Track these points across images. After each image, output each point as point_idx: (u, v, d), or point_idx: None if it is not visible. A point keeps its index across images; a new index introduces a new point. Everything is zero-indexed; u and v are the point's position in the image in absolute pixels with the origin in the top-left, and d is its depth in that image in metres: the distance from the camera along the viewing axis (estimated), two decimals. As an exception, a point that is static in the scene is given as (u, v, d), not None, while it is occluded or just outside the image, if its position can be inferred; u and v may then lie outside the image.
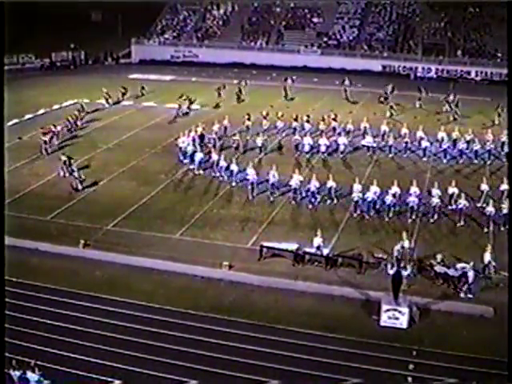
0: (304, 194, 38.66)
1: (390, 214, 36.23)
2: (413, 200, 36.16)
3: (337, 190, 38.46)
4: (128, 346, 24.27)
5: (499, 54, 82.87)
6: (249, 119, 51.08)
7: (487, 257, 29.53)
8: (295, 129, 50.15)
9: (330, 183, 38.22)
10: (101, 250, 31.95)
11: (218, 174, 42.10)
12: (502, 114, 55.10)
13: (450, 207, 36.85)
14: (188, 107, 58.64)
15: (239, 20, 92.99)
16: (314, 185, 37.81)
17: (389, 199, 36.21)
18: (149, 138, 50.39)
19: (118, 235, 33.79)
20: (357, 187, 37.17)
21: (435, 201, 36.02)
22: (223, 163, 41.89)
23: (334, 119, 51.08)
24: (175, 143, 45.90)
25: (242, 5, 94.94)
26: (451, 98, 60.51)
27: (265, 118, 52.03)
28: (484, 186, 37.84)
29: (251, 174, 39.34)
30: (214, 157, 42.78)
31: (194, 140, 46.23)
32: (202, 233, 34.11)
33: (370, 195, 36.52)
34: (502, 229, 34.60)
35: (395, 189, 36.86)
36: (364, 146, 47.68)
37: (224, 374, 23.04)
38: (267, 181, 39.48)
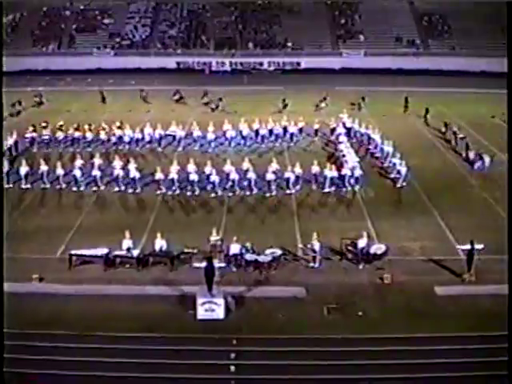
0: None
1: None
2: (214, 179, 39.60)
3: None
4: None
5: (289, 44, 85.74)
6: (34, 131, 49.40)
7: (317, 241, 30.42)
8: (73, 139, 49.16)
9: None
10: None
11: (48, 186, 40.76)
12: (325, 101, 60.42)
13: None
14: None
15: (29, 25, 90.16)
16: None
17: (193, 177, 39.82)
18: None
19: None
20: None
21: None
22: (61, 171, 40.82)
23: (120, 127, 50.06)
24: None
25: (31, 10, 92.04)
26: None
27: (59, 129, 50.52)
28: (315, 168, 40.76)
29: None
30: (43, 168, 41.06)
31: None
32: (8, 247, 32.73)
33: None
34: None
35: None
36: (168, 135, 49.50)
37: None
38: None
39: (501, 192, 39.59)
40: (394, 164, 42.54)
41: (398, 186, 41.00)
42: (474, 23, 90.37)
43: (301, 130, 50.93)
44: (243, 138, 49.03)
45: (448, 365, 23.20)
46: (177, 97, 64.72)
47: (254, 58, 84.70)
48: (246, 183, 39.72)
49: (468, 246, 29.25)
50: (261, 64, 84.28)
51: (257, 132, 49.63)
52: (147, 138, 48.75)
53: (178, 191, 39.67)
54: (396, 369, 22.94)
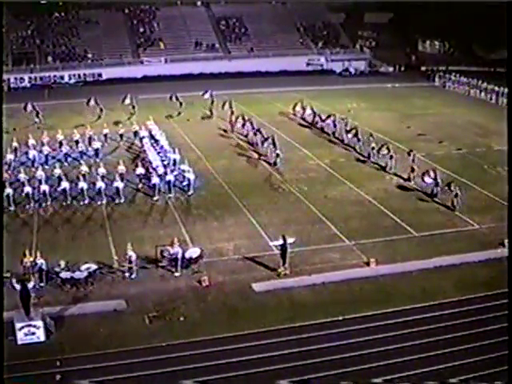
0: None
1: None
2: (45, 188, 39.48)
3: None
4: None
5: (89, 55, 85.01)
6: None
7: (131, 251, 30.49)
8: None
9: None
10: None
11: None
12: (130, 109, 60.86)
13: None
14: None
15: None
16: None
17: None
18: None
19: None
20: None
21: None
22: None
23: None
24: None
25: None
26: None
27: None
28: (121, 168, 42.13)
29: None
30: None
31: None
32: None
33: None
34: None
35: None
36: None
37: None
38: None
39: (307, 185, 41.50)
40: (183, 171, 42.67)
41: (188, 193, 41.03)
42: (270, 25, 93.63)
43: (106, 136, 52.00)
44: (46, 156, 47.45)
45: (270, 358, 24.06)
46: None
47: (54, 72, 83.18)
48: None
49: (281, 241, 30.29)
50: (61, 77, 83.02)
51: (60, 144, 48.85)
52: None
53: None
54: (223, 369, 23.56)
